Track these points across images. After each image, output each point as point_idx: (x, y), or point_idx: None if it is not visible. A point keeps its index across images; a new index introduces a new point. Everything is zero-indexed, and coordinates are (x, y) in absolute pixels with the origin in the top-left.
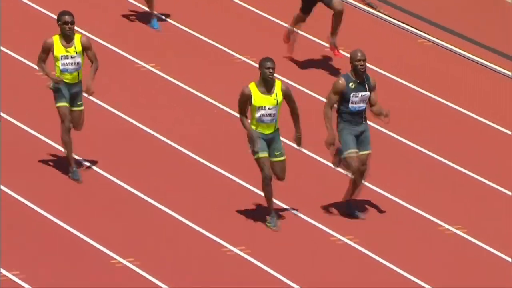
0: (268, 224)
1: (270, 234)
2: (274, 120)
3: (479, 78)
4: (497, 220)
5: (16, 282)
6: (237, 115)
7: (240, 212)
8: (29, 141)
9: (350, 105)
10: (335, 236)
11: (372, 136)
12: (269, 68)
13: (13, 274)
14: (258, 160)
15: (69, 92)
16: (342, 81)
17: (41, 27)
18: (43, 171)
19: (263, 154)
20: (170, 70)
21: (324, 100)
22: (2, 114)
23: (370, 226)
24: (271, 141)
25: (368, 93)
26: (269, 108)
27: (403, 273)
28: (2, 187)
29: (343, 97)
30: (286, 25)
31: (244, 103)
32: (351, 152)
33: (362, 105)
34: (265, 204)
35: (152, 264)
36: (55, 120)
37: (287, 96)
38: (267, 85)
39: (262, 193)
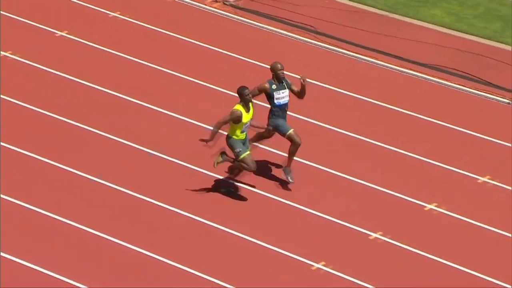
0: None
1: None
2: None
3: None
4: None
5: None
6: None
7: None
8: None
9: (276, 101)
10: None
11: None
12: (248, 94)
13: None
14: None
15: None
16: (267, 84)
17: None
18: None
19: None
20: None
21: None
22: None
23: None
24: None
25: (287, 90)
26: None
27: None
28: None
29: (269, 96)
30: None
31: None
32: (291, 133)
33: (285, 100)
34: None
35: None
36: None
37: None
38: (247, 106)
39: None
